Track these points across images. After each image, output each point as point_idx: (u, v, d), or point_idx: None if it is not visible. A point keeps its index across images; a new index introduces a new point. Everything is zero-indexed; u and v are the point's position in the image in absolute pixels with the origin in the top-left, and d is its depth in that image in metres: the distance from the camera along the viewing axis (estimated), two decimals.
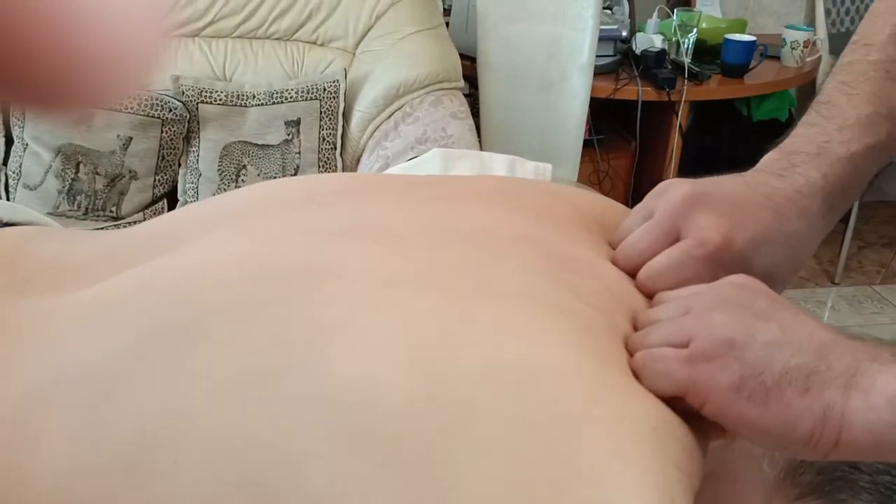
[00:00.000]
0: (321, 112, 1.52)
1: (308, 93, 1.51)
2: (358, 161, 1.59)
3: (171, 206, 1.53)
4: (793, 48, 2.05)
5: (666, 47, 1.95)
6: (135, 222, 1.47)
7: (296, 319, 0.31)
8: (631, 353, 0.35)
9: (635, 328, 0.38)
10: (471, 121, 1.56)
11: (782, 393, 0.32)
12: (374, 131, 1.57)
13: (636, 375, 0.34)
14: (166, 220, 0.48)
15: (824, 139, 0.45)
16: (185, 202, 1.51)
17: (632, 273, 0.42)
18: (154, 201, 1.51)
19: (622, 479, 0.27)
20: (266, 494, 0.26)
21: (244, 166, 1.50)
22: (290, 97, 1.51)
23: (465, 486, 0.25)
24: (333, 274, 0.33)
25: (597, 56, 1.76)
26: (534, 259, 0.38)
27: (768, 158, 0.47)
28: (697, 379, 0.33)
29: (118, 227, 1.45)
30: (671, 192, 0.45)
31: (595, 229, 0.46)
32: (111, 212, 1.47)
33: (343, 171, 1.57)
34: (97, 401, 0.29)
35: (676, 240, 0.43)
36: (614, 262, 0.43)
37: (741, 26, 2.07)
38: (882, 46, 0.47)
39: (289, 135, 1.51)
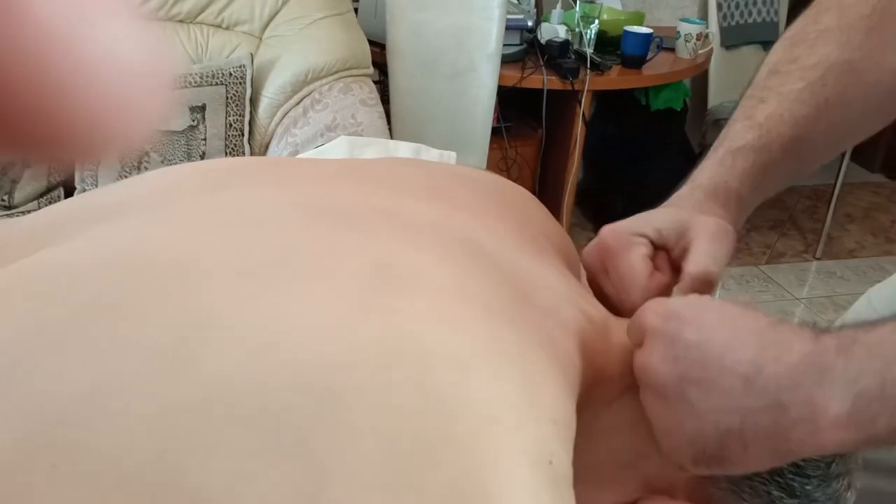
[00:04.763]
0: (227, 98, 1.49)
1: (213, 77, 1.48)
2: (266, 148, 1.57)
3: (69, 195, 1.47)
4: (686, 41, 2.15)
5: (570, 38, 2.01)
6: (29, 211, 1.40)
7: (160, 319, 0.31)
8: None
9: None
10: (380, 108, 1.56)
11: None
12: (282, 118, 1.56)
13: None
14: (56, 210, 0.46)
15: (724, 181, 0.52)
16: (84, 190, 1.45)
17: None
18: (49, 189, 1.45)
19: (498, 443, 0.28)
20: (148, 495, 0.26)
21: (147, 153, 1.46)
22: (195, 82, 1.47)
23: (342, 469, 0.26)
24: (194, 269, 0.34)
25: (504, 45, 1.79)
26: (385, 231, 0.38)
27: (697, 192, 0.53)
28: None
29: (11, 217, 1.38)
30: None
31: (493, 204, 0.48)
32: (3, 200, 1.40)
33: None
34: None
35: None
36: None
37: (639, 19, 2.16)
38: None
39: (194, 121, 1.48)
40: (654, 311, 0.40)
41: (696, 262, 0.47)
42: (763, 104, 0.51)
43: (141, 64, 0.14)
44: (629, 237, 0.49)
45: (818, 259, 2.44)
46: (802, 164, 0.53)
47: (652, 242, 0.49)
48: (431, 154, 0.60)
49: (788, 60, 0.52)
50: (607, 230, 0.50)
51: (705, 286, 0.47)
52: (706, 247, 0.47)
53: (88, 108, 0.13)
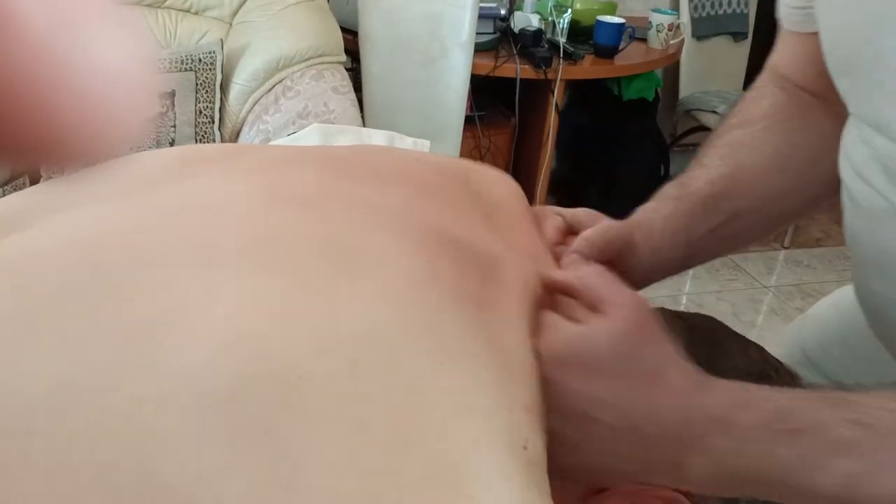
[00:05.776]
0: (197, 84, 1.47)
1: (183, 63, 1.46)
2: (237, 135, 1.55)
3: (34, 183, 1.44)
4: (658, 31, 2.17)
5: (543, 27, 2.02)
6: None
7: (129, 310, 0.31)
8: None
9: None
10: (353, 95, 1.55)
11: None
12: (253, 105, 1.54)
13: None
14: (21, 199, 0.45)
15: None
16: (50, 178, 1.43)
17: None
18: (14, 177, 1.42)
19: (472, 429, 0.28)
20: (123, 487, 0.26)
21: None
22: (164, 68, 1.44)
23: (315, 457, 0.26)
24: (162, 258, 0.33)
25: (477, 33, 1.79)
26: (354, 218, 0.38)
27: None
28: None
29: None
30: None
31: (462, 190, 0.48)
32: None
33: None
34: None
35: None
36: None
37: (612, 8, 2.17)
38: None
39: (163, 107, 1.45)
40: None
41: (589, 231, 0.52)
42: (685, 174, 0.57)
43: (126, 73, 0.14)
44: (548, 211, 0.56)
45: (786, 248, 2.49)
46: (733, 228, 0.56)
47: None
48: (405, 142, 0.60)
49: (707, 145, 0.59)
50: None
51: (586, 245, 0.50)
52: (601, 224, 0.52)
53: (74, 116, 0.13)
